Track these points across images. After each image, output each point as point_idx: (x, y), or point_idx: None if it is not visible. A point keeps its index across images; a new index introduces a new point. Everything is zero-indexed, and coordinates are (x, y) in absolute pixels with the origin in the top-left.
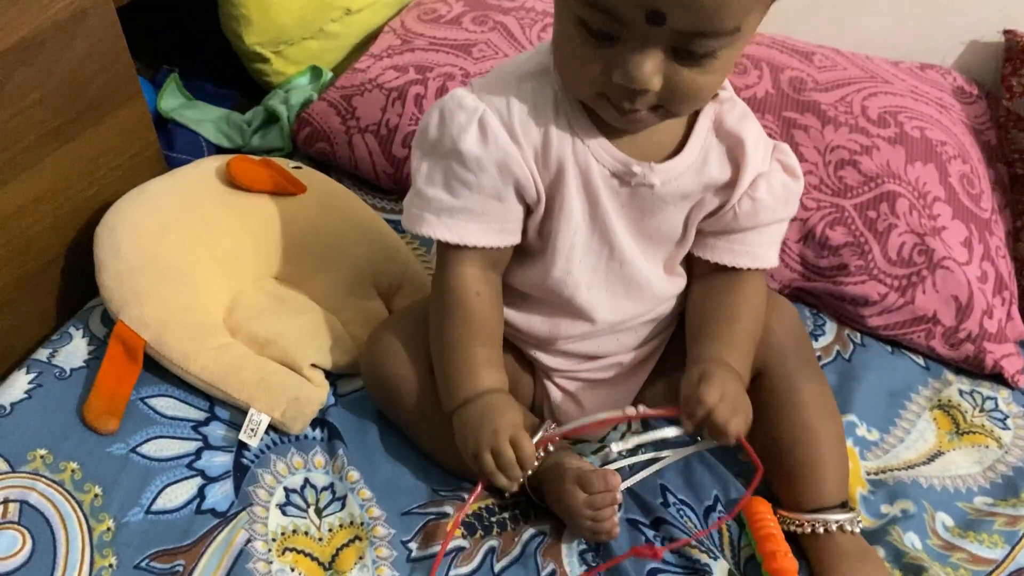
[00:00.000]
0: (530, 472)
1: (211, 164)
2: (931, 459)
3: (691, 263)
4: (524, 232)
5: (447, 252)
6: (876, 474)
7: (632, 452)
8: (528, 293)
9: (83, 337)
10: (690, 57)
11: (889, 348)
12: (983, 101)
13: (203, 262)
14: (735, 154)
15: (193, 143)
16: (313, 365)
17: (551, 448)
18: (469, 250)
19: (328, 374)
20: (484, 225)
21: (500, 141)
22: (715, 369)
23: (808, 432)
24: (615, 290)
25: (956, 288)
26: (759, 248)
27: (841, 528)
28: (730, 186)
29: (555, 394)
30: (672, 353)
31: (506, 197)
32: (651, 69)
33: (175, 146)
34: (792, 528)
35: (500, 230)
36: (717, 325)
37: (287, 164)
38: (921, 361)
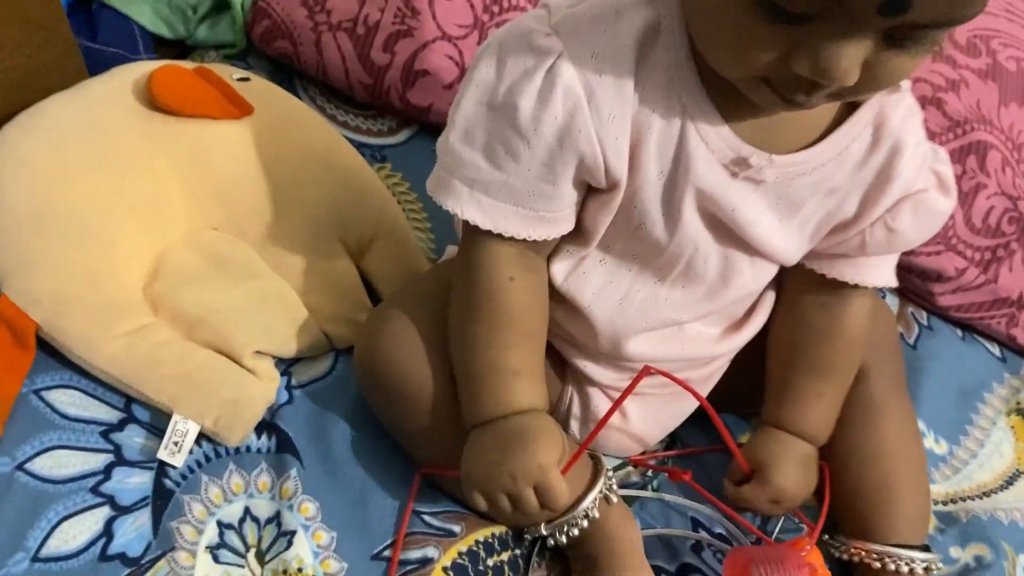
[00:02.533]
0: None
1: (129, 76)
2: (1009, 482)
3: (786, 274)
4: (581, 214)
5: (475, 233)
6: (946, 503)
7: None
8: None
9: None
10: (906, 43)
11: (960, 333)
12: None
13: (116, 214)
14: (887, 162)
15: (123, 32)
16: (258, 352)
17: (611, 497)
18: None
19: (279, 361)
20: (528, 211)
21: (571, 101)
22: (779, 458)
23: (896, 448)
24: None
25: None
26: (875, 269)
27: (912, 571)
28: (869, 201)
29: (599, 405)
30: (742, 358)
31: (561, 179)
32: (855, 61)
33: (99, 35)
34: (849, 557)
35: (548, 219)
36: (806, 377)
37: (231, 74)
38: (997, 351)
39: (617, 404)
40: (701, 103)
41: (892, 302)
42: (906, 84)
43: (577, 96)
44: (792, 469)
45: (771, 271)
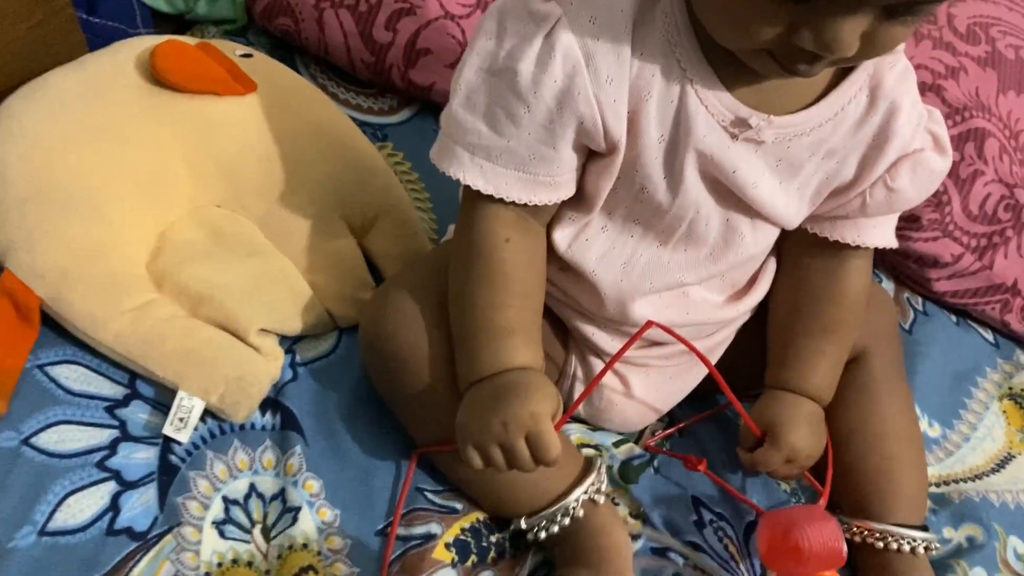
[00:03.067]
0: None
1: (131, 51)
2: (1001, 465)
3: (788, 237)
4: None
5: (476, 198)
6: (940, 485)
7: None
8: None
9: None
10: (906, 14)
11: (955, 318)
12: None
13: (118, 188)
14: (884, 123)
15: (122, 6)
16: (262, 330)
17: (597, 499)
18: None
19: (283, 339)
20: (528, 176)
21: (570, 66)
22: (792, 421)
23: (895, 429)
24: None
25: None
26: (876, 228)
27: (914, 550)
28: (868, 163)
29: (609, 386)
30: (743, 338)
31: (561, 142)
32: (854, 34)
33: (98, 8)
34: (851, 536)
35: (548, 184)
36: (809, 338)
37: (233, 50)
38: (991, 337)
39: (619, 355)
40: (700, 68)
41: (888, 287)
42: (900, 46)
43: (576, 59)
44: (802, 427)
45: (772, 234)
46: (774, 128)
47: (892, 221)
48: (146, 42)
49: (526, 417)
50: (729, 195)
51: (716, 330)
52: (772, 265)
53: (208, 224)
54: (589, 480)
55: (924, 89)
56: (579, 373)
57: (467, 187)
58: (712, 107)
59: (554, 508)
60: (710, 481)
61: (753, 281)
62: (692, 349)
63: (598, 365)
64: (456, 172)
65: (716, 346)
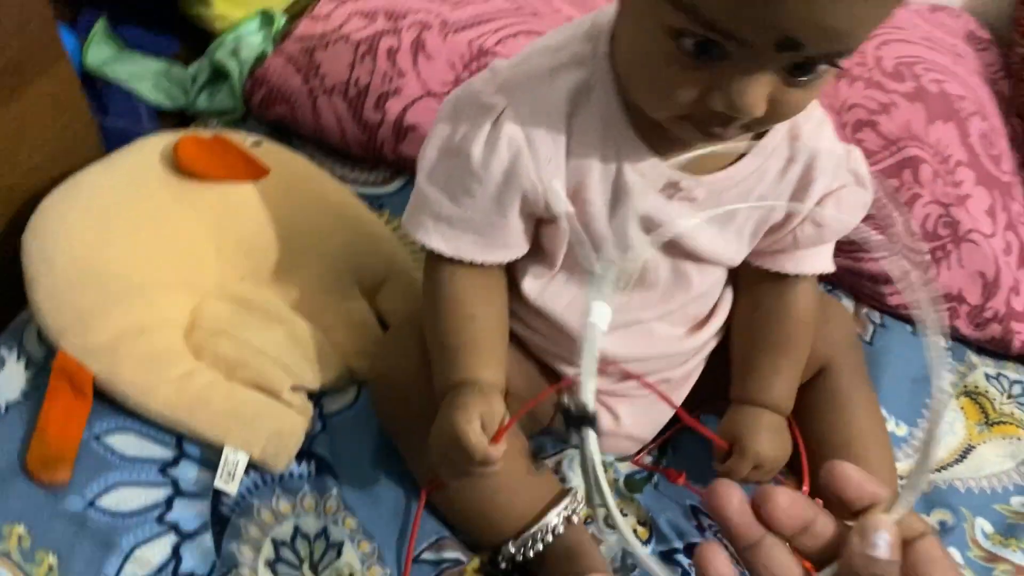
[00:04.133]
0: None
1: (154, 147)
2: (963, 456)
3: (737, 270)
4: (542, 241)
5: (438, 258)
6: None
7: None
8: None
9: (18, 361)
10: (807, 73)
11: (910, 328)
12: (995, 48)
13: (155, 271)
14: (806, 170)
15: (129, 106)
16: (293, 387)
17: (573, 519)
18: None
19: (310, 394)
20: (485, 239)
21: (513, 147)
22: (755, 431)
23: (862, 435)
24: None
25: (982, 263)
26: (811, 257)
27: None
28: (797, 201)
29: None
30: (718, 360)
31: (509, 211)
32: (761, 96)
33: (109, 110)
34: None
35: (503, 245)
36: (764, 355)
37: (244, 139)
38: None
39: (531, 404)
40: (634, 144)
41: (848, 304)
42: (812, 104)
43: (519, 143)
44: (765, 435)
45: (719, 272)
46: (703, 186)
47: (827, 249)
48: (167, 138)
49: (448, 429)
50: (673, 245)
51: (685, 360)
52: (729, 294)
53: (236, 298)
54: (564, 502)
55: (861, 125)
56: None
57: (431, 250)
58: (648, 176)
59: (535, 528)
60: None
61: (712, 312)
62: (656, 391)
63: None
64: (423, 238)
65: (689, 373)
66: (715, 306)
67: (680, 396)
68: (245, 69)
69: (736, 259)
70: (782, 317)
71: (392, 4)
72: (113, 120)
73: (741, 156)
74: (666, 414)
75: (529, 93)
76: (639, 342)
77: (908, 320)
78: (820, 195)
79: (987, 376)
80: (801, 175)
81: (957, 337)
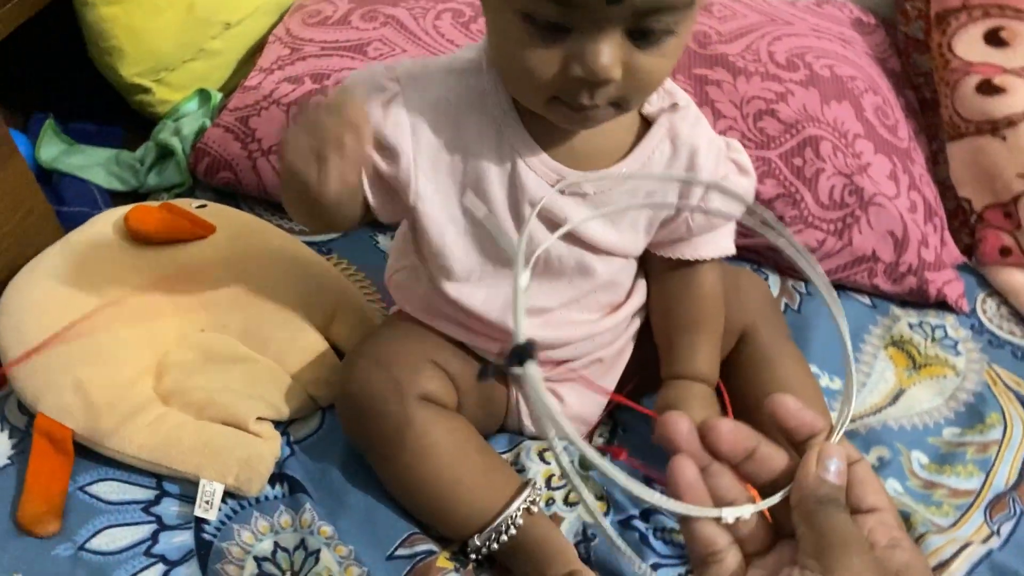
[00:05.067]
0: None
1: (107, 220)
2: (895, 399)
3: (644, 258)
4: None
5: None
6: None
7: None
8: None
9: (2, 432)
10: (648, 37)
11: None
12: (881, 30)
13: (119, 331)
14: (688, 164)
15: (84, 193)
16: (259, 418)
17: (532, 508)
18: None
19: (277, 423)
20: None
21: (399, 128)
22: (682, 400)
23: (792, 388)
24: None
25: (890, 223)
26: (708, 244)
27: None
28: (683, 196)
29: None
30: (648, 340)
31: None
32: (612, 56)
33: (66, 199)
34: None
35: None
36: (680, 334)
37: (190, 204)
38: (867, 300)
39: None
40: (526, 142)
41: (774, 280)
42: (686, 99)
43: (404, 127)
44: (695, 404)
45: (622, 263)
46: (590, 183)
47: (724, 233)
48: (117, 212)
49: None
50: (571, 237)
51: (611, 340)
52: (642, 281)
53: (197, 347)
54: (524, 494)
55: (761, 115)
56: (520, 400)
57: None
58: (539, 171)
59: (498, 520)
60: (655, 465)
61: (627, 297)
62: (588, 382)
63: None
64: None
65: (620, 351)
66: (629, 292)
67: (615, 374)
68: (187, 144)
69: (635, 250)
70: (690, 298)
71: (316, 67)
72: (71, 206)
73: (625, 156)
74: (610, 386)
75: (422, 86)
76: (557, 329)
77: (832, 285)
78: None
79: (910, 325)
80: (685, 169)
81: (878, 293)
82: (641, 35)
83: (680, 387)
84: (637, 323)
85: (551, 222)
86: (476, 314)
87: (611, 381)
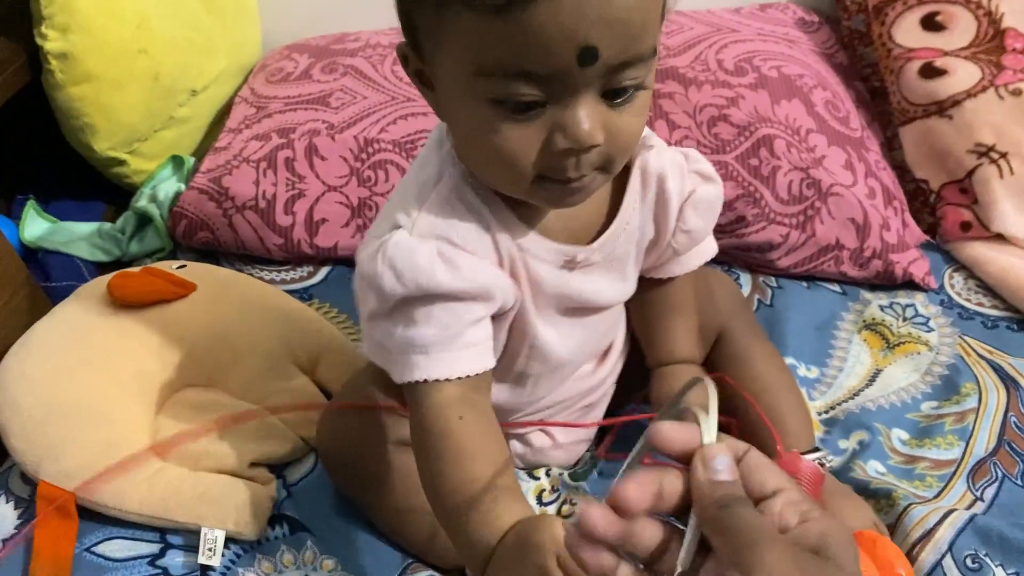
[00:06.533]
0: None
1: (92, 290)
2: (872, 380)
3: None
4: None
5: (420, 389)
6: (827, 412)
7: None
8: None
9: (7, 503)
10: (621, 95)
11: (805, 284)
12: (825, 26)
13: (110, 394)
14: (659, 191)
15: (70, 267)
16: (252, 464)
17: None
18: (446, 381)
19: (272, 467)
20: (477, 348)
21: (470, 265)
22: (675, 382)
23: (766, 383)
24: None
25: (850, 211)
26: (693, 255)
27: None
28: (661, 221)
29: (539, 442)
30: (630, 369)
31: (487, 317)
32: (593, 120)
33: (52, 275)
34: None
35: (487, 350)
36: (659, 323)
37: (170, 266)
38: (837, 288)
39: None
40: (526, 233)
41: (745, 278)
42: (654, 139)
43: (470, 259)
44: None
45: (618, 309)
46: (598, 251)
47: (706, 243)
48: (100, 281)
49: (533, 569)
50: (576, 310)
51: (600, 386)
52: (623, 318)
53: (187, 401)
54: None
55: (714, 121)
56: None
57: (409, 386)
58: (546, 257)
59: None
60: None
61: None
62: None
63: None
64: (420, 374)
65: (606, 392)
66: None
67: (602, 407)
68: (165, 209)
69: (632, 291)
70: (667, 294)
71: (281, 123)
72: (58, 282)
73: (613, 209)
74: (593, 429)
75: (436, 218)
76: (556, 390)
77: (799, 277)
78: (677, 206)
79: (881, 307)
80: (657, 195)
81: (847, 280)
82: (614, 95)
83: (669, 372)
84: (621, 363)
85: (567, 299)
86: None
87: (597, 415)
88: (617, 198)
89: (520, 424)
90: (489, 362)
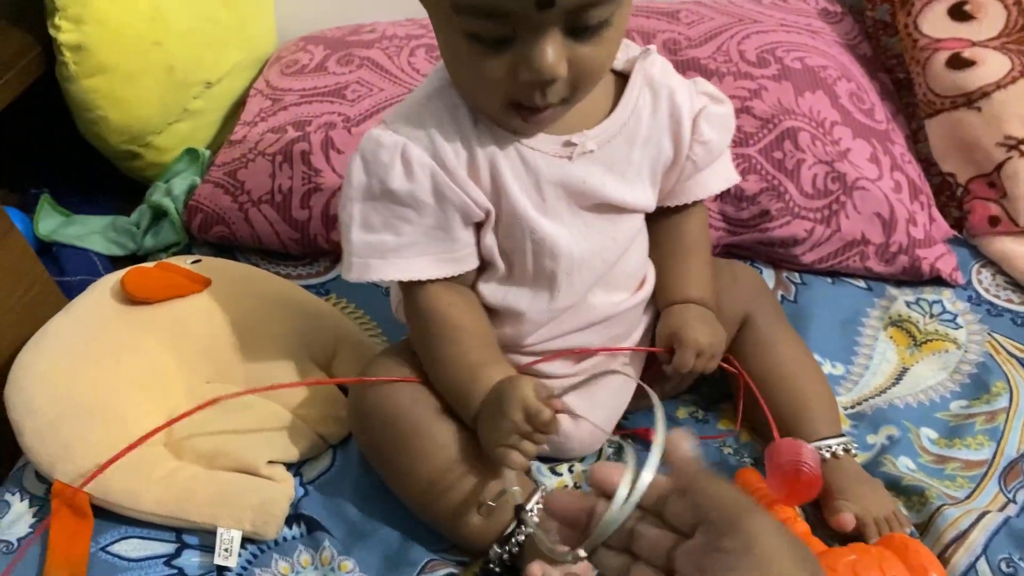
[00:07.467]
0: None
1: (106, 286)
2: (899, 378)
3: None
4: (482, 249)
5: (409, 288)
6: (853, 407)
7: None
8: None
9: (22, 501)
10: (586, 32)
11: (830, 280)
12: (849, 17)
13: (124, 392)
14: (670, 104)
15: (85, 261)
16: (270, 462)
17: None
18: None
19: (289, 465)
20: (434, 257)
21: (428, 171)
22: (686, 322)
23: (795, 367)
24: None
25: (876, 205)
26: (714, 176)
27: (836, 454)
28: (676, 136)
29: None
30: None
31: (452, 226)
32: (555, 55)
33: (67, 270)
34: None
35: (452, 259)
36: (674, 263)
37: (185, 261)
38: (863, 284)
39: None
40: (522, 127)
41: (768, 273)
42: (653, 55)
43: (429, 164)
44: (695, 324)
45: (639, 225)
46: (593, 137)
47: (724, 165)
48: (114, 276)
49: (518, 400)
50: (594, 202)
51: (638, 320)
52: (650, 263)
53: (202, 398)
54: (535, 497)
55: (737, 113)
56: None
57: (398, 283)
58: (543, 147)
59: (512, 526)
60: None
61: (643, 281)
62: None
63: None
64: (376, 275)
65: (632, 333)
66: (645, 276)
67: (629, 389)
68: (180, 203)
69: (651, 202)
70: (682, 233)
71: (297, 115)
72: (72, 276)
73: (612, 111)
74: (624, 400)
75: (417, 121)
76: (581, 305)
77: (824, 273)
78: (690, 120)
79: (908, 303)
80: (669, 110)
81: (873, 275)
82: (579, 31)
83: (678, 311)
84: (651, 313)
85: (570, 193)
86: (515, 313)
87: (630, 386)
88: (618, 100)
89: (549, 356)
90: (459, 268)
